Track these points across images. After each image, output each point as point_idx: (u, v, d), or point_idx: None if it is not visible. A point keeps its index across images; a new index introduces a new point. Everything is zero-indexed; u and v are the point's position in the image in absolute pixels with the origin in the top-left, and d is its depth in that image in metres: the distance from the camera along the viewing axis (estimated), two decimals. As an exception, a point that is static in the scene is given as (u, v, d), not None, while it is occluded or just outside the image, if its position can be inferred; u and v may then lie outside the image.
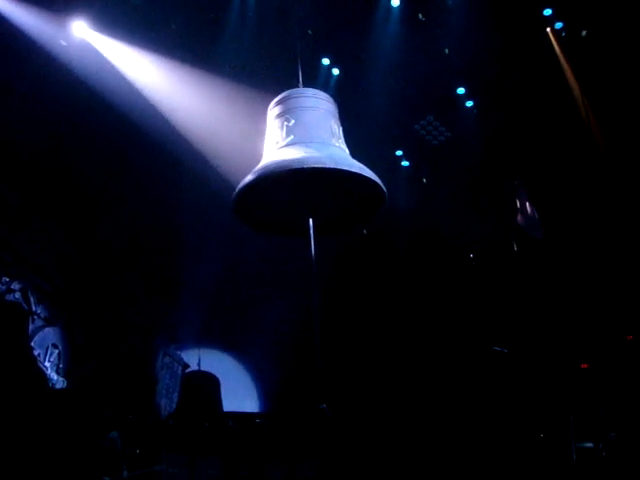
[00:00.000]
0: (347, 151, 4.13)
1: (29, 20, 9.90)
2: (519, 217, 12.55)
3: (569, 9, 11.30)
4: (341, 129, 4.21)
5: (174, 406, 12.64)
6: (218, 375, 12.91)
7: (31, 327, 11.01)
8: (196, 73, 11.33)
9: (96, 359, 11.90)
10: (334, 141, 3.98)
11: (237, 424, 11.78)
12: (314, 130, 3.94)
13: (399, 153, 14.07)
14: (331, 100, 4.27)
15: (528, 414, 10.76)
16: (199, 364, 12.75)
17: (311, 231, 4.00)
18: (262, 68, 11.46)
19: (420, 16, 11.32)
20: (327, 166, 3.61)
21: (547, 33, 11.70)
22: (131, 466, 9.93)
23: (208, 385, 12.60)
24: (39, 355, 11.13)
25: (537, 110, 12.21)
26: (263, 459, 11.02)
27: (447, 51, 11.77)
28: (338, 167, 3.63)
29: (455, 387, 12.03)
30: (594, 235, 11.65)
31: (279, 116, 4.07)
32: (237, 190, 3.82)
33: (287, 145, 3.87)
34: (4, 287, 10.44)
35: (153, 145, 11.54)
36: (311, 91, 4.18)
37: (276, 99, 4.19)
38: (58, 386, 11.24)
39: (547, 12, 11.41)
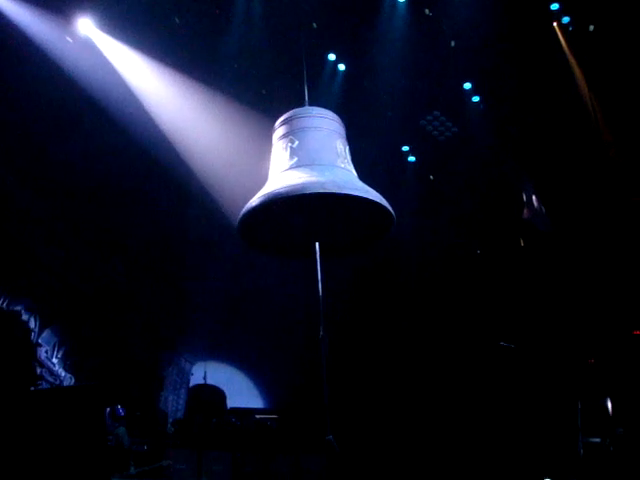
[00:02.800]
0: (353, 171, 4.07)
1: (36, 14, 9.86)
2: (526, 211, 12.51)
3: (576, 3, 11.21)
4: (347, 148, 4.15)
5: (181, 402, 12.70)
6: (224, 388, 12.99)
7: (38, 324, 11.04)
8: (200, 83, 11.32)
9: (104, 356, 11.94)
10: (339, 162, 3.92)
11: (242, 420, 11.84)
12: (318, 152, 3.88)
13: (405, 149, 14.01)
14: (337, 119, 4.20)
15: (535, 409, 10.77)
16: (205, 377, 12.78)
17: (317, 255, 3.97)
18: (267, 69, 11.44)
19: (427, 11, 11.25)
20: (330, 191, 3.57)
21: (554, 27, 11.61)
22: (138, 462, 9.98)
23: (214, 398, 12.66)
24: (47, 352, 11.18)
25: (544, 104, 12.14)
26: (269, 455, 11.06)
27: (453, 44, 11.68)
28: (341, 192, 3.59)
29: (462, 383, 12.03)
30: (601, 229, 11.59)
31: (283, 137, 4.01)
32: (242, 214, 3.79)
33: (291, 168, 3.82)
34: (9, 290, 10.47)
35: (157, 159, 11.57)
36: (316, 110, 4.11)
37: (280, 119, 4.13)
38: (65, 382, 11.29)
39: (554, 6, 11.31)
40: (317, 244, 4.02)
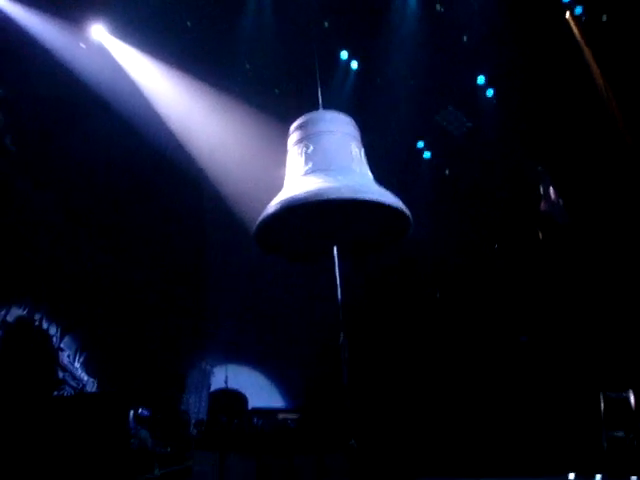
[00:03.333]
0: (369, 174, 4.04)
1: (50, 22, 9.94)
2: (543, 204, 12.45)
3: (589, -8, 11.18)
4: (362, 150, 4.12)
5: (203, 404, 12.74)
6: (245, 391, 13.01)
7: (60, 329, 11.12)
8: (213, 85, 11.35)
9: (125, 359, 12.00)
10: (354, 165, 3.90)
11: (265, 420, 11.88)
12: (333, 156, 3.87)
13: (420, 145, 13.97)
14: (351, 121, 4.17)
15: (559, 403, 10.73)
16: (226, 381, 12.82)
17: (335, 259, 3.95)
18: (279, 68, 11.45)
19: (438, 7, 11.24)
20: (345, 197, 3.56)
21: (567, 18, 11.55)
22: (162, 464, 10.03)
23: (236, 402, 12.69)
24: (69, 356, 11.24)
25: (558, 96, 12.06)
26: (292, 454, 11.07)
27: (465, 38, 11.66)
28: (357, 196, 3.58)
29: (484, 378, 11.98)
30: (618, 220, 11.50)
31: (298, 142, 4.00)
32: (258, 221, 3.78)
33: (306, 174, 3.81)
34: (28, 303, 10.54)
35: (174, 163, 11.62)
36: (330, 114, 4.09)
37: (295, 124, 4.12)
38: (88, 387, 11.36)
39: (567, -3, 11.29)
40: (335, 248, 4.00)
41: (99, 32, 10.41)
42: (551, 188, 12.50)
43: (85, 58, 10.43)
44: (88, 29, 10.33)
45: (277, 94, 11.93)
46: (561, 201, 12.33)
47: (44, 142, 10.57)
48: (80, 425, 8.56)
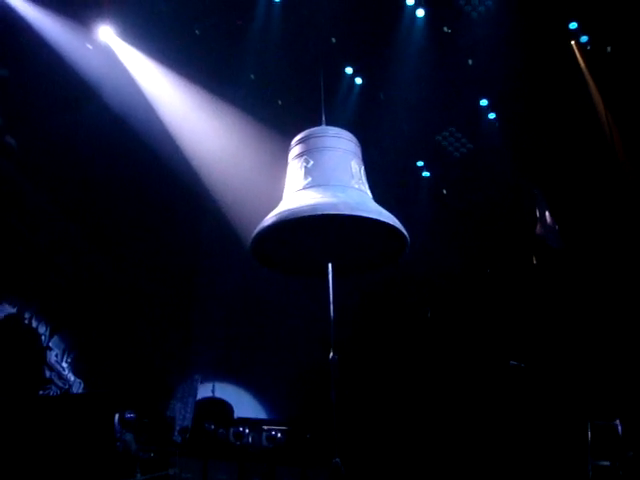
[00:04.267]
0: (368, 192, 4.05)
1: (58, 21, 9.95)
2: (538, 227, 12.46)
3: (595, 23, 11.21)
4: (363, 168, 4.13)
5: (189, 411, 12.70)
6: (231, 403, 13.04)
7: (49, 328, 11.10)
8: (217, 94, 11.38)
9: (113, 362, 11.97)
10: (353, 182, 3.91)
11: (250, 430, 11.86)
12: (333, 172, 3.87)
13: (420, 164, 14.01)
14: (353, 139, 4.18)
15: (544, 431, 10.70)
16: (213, 390, 12.84)
17: (329, 276, 3.95)
18: (284, 81, 11.48)
19: (445, 29, 11.28)
20: (342, 213, 3.56)
21: (572, 46, 11.61)
22: (145, 469, 10.00)
23: (222, 410, 12.69)
24: (57, 356, 11.21)
25: (560, 122, 12.11)
26: (275, 466, 11.06)
27: (471, 62, 11.71)
28: (353, 213, 3.58)
29: (472, 403, 11.95)
30: (614, 247, 11.53)
31: (299, 156, 4.01)
32: (254, 233, 3.78)
33: (304, 188, 3.82)
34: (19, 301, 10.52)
35: (174, 169, 11.64)
36: (332, 130, 4.10)
37: (296, 138, 4.13)
38: (75, 387, 11.32)
39: (573, 25, 11.32)
40: (330, 264, 4.01)
41: (107, 34, 10.43)
42: (547, 212, 12.52)
43: (91, 59, 10.45)
44: (96, 30, 10.35)
45: (280, 106, 11.97)
46: (557, 226, 12.34)
47: (43, 140, 10.59)
48: (65, 426, 8.54)
